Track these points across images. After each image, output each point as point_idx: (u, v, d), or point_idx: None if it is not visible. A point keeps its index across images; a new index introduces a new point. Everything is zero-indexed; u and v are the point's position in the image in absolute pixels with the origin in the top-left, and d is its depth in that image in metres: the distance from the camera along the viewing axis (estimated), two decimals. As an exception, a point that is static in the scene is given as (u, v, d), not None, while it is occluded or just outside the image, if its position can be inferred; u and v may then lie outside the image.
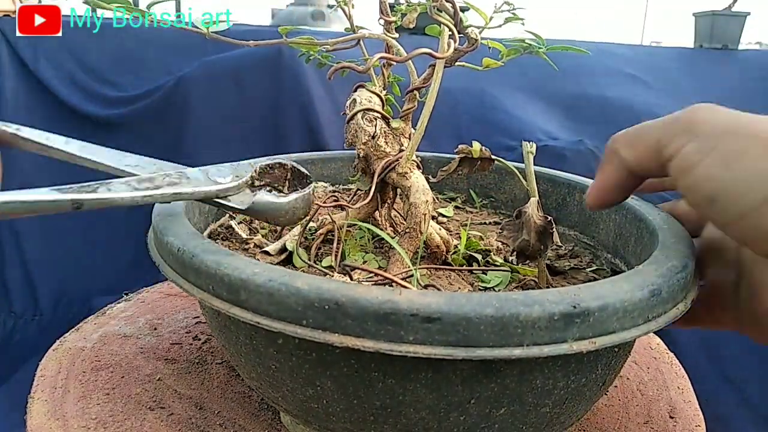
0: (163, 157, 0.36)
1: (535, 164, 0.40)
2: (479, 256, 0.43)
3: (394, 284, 0.33)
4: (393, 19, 0.41)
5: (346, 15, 0.44)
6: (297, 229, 0.42)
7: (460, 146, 0.40)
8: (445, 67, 0.38)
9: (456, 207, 0.55)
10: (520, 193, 0.53)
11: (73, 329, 0.49)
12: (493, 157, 0.41)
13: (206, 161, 0.52)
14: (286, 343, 0.28)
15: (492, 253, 0.43)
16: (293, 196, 0.35)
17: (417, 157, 0.41)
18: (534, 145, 0.38)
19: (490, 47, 0.40)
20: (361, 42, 0.43)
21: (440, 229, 0.42)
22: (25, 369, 1.26)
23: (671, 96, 1.58)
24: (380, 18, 0.42)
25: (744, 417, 1.24)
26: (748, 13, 1.75)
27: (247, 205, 0.34)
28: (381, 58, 0.38)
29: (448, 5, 0.36)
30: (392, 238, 0.43)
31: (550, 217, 0.36)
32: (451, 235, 0.44)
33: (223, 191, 0.34)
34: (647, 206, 0.38)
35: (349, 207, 0.42)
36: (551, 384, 0.27)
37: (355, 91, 0.43)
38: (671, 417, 0.43)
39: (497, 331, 0.24)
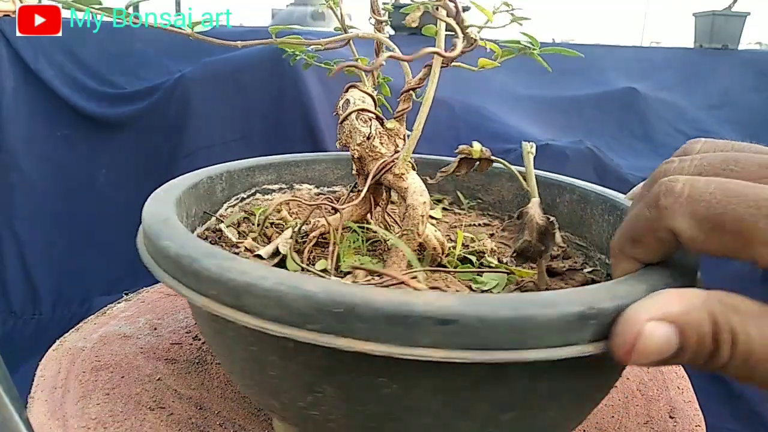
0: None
1: (536, 165, 0.39)
2: (473, 258, 0.42)
3: (405, 285, 0.31)
4: (384, 18, 0.41)
5: (335, 15, 0.44)
6: (288, 232, 0.41)
7: (460, 147, 0.39)
8: (442, 67, 0.37)
9: (444, 209, 0.55)
10: (508, 194, 0.53)
11: (73, 329, 0.49)
12: (492, 157, 0.40)
13: (206, 161, 0.51)
14: (287, 349, 0.27)
15: (486, 255, 0.43)
16: None
17: (411, 158, 0.40)
18: (534, 146, 0.37)
19: (487, 48, 0.40)
20: (351, 42, 0.42)
21: (436, 231, 0.41)
22: (25, 369, 1.25)
23: (671, 96, 1.57)
24: (371, 17, 0.42)
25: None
26: (748, 13, 1.75)
27: None
28: (390, 57, 0.37)
29: (451, 5, 0.35)
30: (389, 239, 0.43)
31: (552, 218, 0.35)
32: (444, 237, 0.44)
33: None
34: None
35: (342, 208, 0.41)
36: (559, 387, 0.27)
37: (347, 91, 0.42)
38: (671, 417, 0.43)
39: (514, 334, 0.23)
